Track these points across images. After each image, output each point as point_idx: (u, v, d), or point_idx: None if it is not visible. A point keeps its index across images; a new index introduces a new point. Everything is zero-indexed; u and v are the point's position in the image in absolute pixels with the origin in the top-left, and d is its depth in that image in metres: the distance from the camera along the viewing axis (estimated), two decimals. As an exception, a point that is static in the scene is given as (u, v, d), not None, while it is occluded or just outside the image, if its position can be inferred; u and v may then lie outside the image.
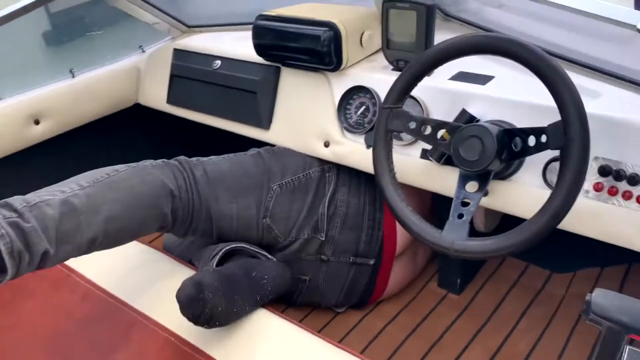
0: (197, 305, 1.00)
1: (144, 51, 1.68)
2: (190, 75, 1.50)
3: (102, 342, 1.12)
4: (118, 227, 1.06)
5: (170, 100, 1.57)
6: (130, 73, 1.64)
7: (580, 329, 1.35)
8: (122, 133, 1.69)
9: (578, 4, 0.72)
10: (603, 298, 0.64)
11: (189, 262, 1.30)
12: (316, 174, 1.29)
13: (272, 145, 1.36)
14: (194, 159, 1.24)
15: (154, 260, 1.27)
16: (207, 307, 1.00)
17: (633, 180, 0.93)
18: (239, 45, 1.47)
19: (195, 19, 1.67)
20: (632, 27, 0.68)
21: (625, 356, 0.73)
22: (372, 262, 1.35)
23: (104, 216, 1.03)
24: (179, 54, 1.54)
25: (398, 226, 1.34)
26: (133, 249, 1.29)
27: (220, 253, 1.19)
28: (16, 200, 0.95)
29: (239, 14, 1.67)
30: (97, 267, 1.26)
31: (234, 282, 1.09)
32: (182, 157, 1.23)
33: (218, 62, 1.45)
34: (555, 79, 0.85)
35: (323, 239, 1.29)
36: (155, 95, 1.61)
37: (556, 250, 1.51)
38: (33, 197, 0.98)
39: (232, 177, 1.24)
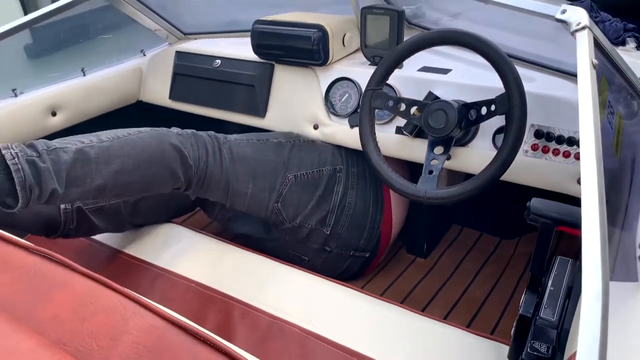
0: None
1: (145, 54, 1.89)
2: (193, 73, 1.73)
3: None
4: (128, 180, 1.18)
5: (173, 96, 1.78)
6: (133, 73, 1.84)
7: (525, 277, 1.63)
8: (126, 126, 1.88)
9: (510, 2, 1.01)
10: (538, 203, 0.90)
11: None
12: (328, 171, 1.43)
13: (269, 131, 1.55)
14: (221, 135, 1.36)
15: (172, 230, 1.47)
16: None
17: (559, 140, 1.22)
18: (235, 48, 1.71)
19: (189, 27, 1.91)
20: (552, 17, 0.96)
21: (557, 265, 1.00)
22: (367, 255, 1.54)
23: (115, 168, 1.15)
24: (181, 55, 1.76)
25: (392, 225, 1.56)
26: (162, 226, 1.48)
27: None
28: (40, 143, 1.10)
29: (226, 23, 1.93)
30: (119, 237, 1.45)
31: None
32: (212, 132, 1.36)
33: (218, 62, 1.68)
34: (500, 62, 1.14)
35: (328, 233, 1.43)
36: (158, 92, 1.82)
37: (504, 221, 1.80)
38: (55, 143, 1.12)
39: (254, 160, 1.36)
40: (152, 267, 1.34)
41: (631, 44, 1.69)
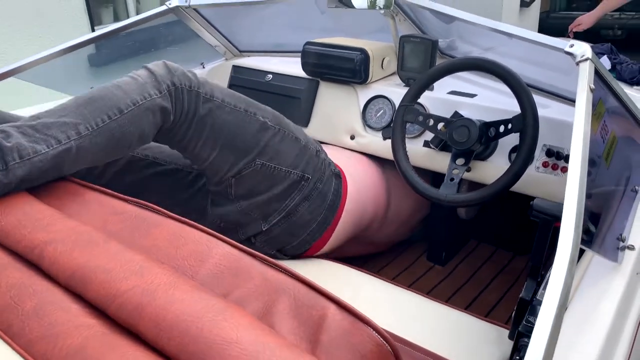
0: None
1: (204, 67, 2.12)
2: (247, 85, 1.94)
3: None
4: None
5: (226, 104, 2.00)
6: None
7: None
8: None
9: (527, 35, 1.21)
10: (540, 202, 1.07)
11: None
12: (295, 176, 1.37)
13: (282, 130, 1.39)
14: (208, 89, 1.27)
15: None
16: None
17: (567, 159, 1.39)
18: (285, 65, 1.93)
19: (244, 46, 2.14)
20: (561, 50, 1.14)
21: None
22: (287, 259, 1.49)
23: (87, 161, 1.09)
24: (237, 69, 1.99)
25: (330, 240, 1.50)
26: None
27: None
28: (9, 150, 0.95)
29: (278, 44, 2.16)
30: None
31: None
32: (195, 81, 1.24)
33: (270, 76, 1.90)
34: (517, 86, 1.32)
35: (264, 229, 1.39)
36: (213, 100, 2.05)
37: (517, 237, 1.96)
38: (26, 145, 0.97)
39: (228, 132, 1.28)
40: None
41: (644, 84, 1.86)
